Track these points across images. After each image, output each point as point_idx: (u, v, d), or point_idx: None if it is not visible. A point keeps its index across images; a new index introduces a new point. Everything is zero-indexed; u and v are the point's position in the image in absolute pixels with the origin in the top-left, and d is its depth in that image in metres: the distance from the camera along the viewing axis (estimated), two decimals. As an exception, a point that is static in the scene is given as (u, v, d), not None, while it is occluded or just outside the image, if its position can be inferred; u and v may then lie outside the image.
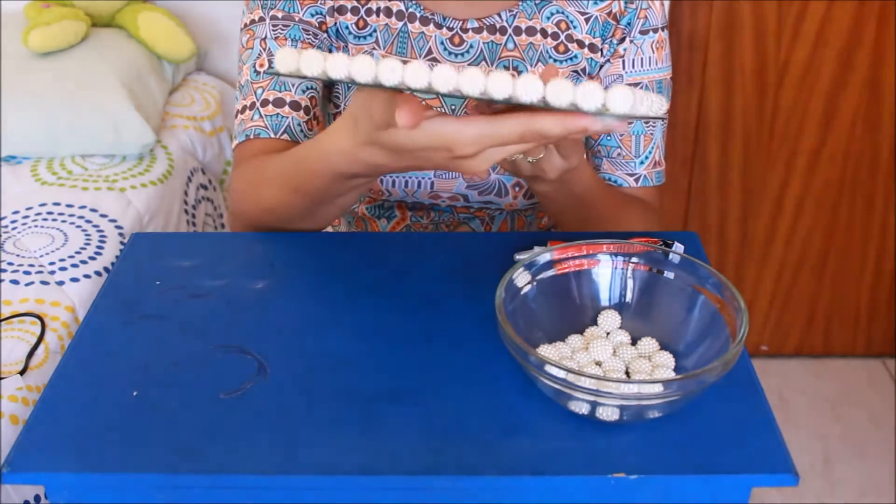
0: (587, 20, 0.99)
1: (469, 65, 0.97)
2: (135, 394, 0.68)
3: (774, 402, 2.03)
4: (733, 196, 2.03)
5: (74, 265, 1.36)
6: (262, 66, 0.97)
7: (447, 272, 0.83)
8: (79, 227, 1.45)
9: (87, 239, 1.43)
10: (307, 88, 0.97)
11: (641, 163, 1.02)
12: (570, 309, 0.73)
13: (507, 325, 0.64)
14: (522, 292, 0.71)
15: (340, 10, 0.98)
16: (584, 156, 0.92)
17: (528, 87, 0.60)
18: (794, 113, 1.93)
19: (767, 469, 0.61)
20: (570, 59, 1.00)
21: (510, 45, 0.99)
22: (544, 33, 0.99)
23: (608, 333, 0.73)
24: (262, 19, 0.98)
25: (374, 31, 0.99)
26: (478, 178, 1.02)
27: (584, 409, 0.63)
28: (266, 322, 0.77)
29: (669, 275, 0.73)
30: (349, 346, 0.73)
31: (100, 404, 0.67)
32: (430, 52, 0.99)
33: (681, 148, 1.97)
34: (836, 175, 1.99)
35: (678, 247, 0.80)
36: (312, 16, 0.98)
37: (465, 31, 0.98)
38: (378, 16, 0.98)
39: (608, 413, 0.63)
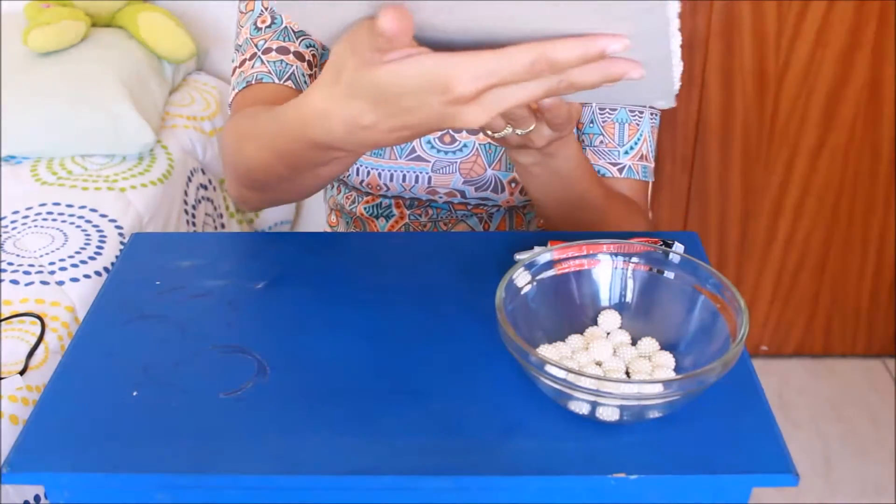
0: None
1: None
2: (135, 394, 0.68)
3: (774, 402, 2.04)
4: (733, 196, 2.03)
5: (74, 265, 1.36)
6: (263, 22, 0.95)
7: (447, 272, 0.83)
8: (79, 227, 1.45)
9: (87, 239, 1.43)
10: (310, 45, 0.96)
11: (626, 153, 0.99)
12: (570, 309, 0.73)
13: (507, 325, 0.64)
14: (522, 292, 0.71)
15: None
16: (574, 131, 0.84)
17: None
18: (794, 113, 1.93)
19: (767, 469, 0.61)
20: None
21: None
22: None
23: (608, 333, 0.72)
24: None
25: None
26: (481, 135, 0.93)
27: (584, 409, 0.63)
28: (266, 322, 0.77)
29: (669, 275, 0.73)
30: (349, 346, 0.73)
31: (100, 404, 0.67)
32: None
33: (681, 148, 1.97)
34: (836, 175, 1.99)
35: (678, 247, 0.80)
36: None
37: None
38: None
39: (608, 413, 0.63)
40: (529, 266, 0.72)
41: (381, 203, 1.08)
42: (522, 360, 0.63)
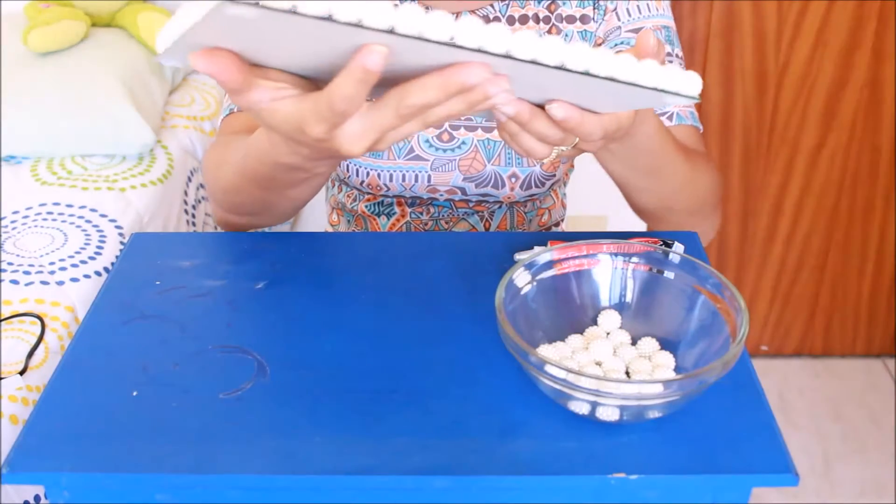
0: None
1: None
2: (135, 394, 0.68)
3: (774, 402, 2.04)
4: (733, 196, 2.03)
5: (74, 265, 1.36)
6: None
7: (447, 272, 0.83)
8: (79, 227, 1.45)
9: (87, 239, 1.43)
10: None
11: None
12: (570, 309, 0.73)
13: (507, 325, 0.64)
14: (522, 292, 0.71)
15: None
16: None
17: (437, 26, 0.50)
18: (794, 113, 1.93)
19: (767, 469, 0.61)
20: (563, 37, 0.99)
21: None
22: (536, 19, 0.98)
23: (608, 333, 0.72)
24: None
25: None
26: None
27: (584, 409, 0.63)
28: (266, 322, 0.77)
29: (669, 275, 0.73)
30: (349, 346, 0.73)
31: (100, 404, 0.67)
32: None
33: (681, 148, 1.97)
34: (836, 175, 1.99)
35: (678, 247, 0.80)
36: None
37: None
38: None
39: (608, 413, 0.63)
40: (529, 266, 0.72)
41: (382, 201, 1.08)
42: (522, 360, 0.63)
